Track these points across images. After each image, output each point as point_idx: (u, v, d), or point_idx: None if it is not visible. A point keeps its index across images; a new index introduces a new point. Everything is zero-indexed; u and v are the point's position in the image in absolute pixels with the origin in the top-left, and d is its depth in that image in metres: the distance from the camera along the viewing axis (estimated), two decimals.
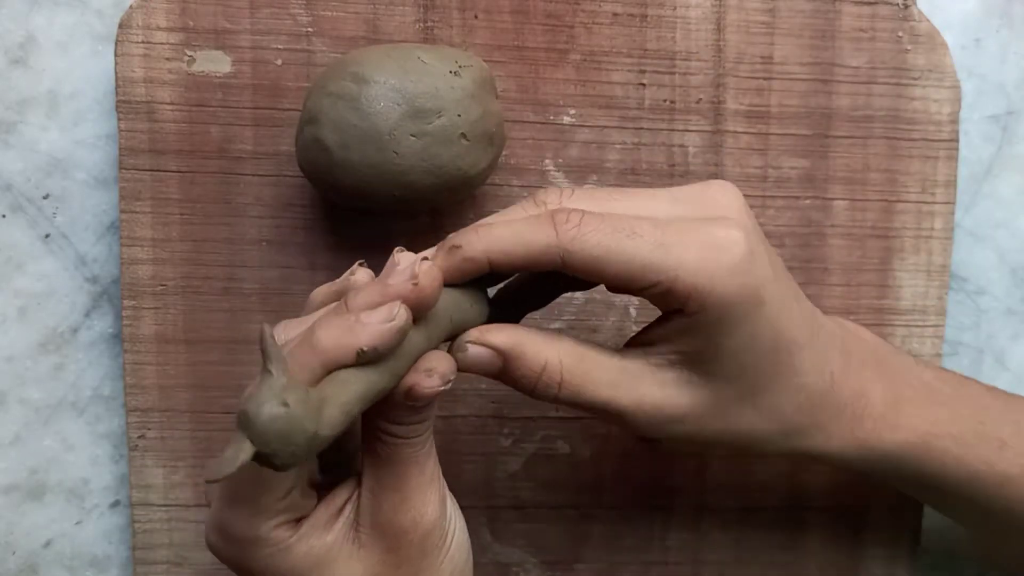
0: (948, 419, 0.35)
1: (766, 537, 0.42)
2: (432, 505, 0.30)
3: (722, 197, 0.31)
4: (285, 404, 0.24)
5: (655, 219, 0.30)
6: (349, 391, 0.26)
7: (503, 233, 0.29)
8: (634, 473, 0.42)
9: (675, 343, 0.31)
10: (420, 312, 0.28)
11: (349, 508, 0.30)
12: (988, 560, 0.42)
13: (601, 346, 0.32)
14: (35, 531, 0.41)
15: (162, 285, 0.39)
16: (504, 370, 0.30)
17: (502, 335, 0.30)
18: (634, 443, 0.41)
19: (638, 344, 0.32)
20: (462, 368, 0.30)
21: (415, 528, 0.30)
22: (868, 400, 0.34)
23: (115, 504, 0.42)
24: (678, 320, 0.30)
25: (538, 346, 0.30)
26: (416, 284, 0.27)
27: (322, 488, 0.31)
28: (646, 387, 0.31)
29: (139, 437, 0.39)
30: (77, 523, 0.41)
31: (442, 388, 0.28)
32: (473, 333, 0.30)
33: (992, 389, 0.37)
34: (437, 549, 0.31)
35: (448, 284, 0.29)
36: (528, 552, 0.42)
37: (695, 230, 0.29)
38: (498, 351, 0.30)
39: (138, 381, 0.39)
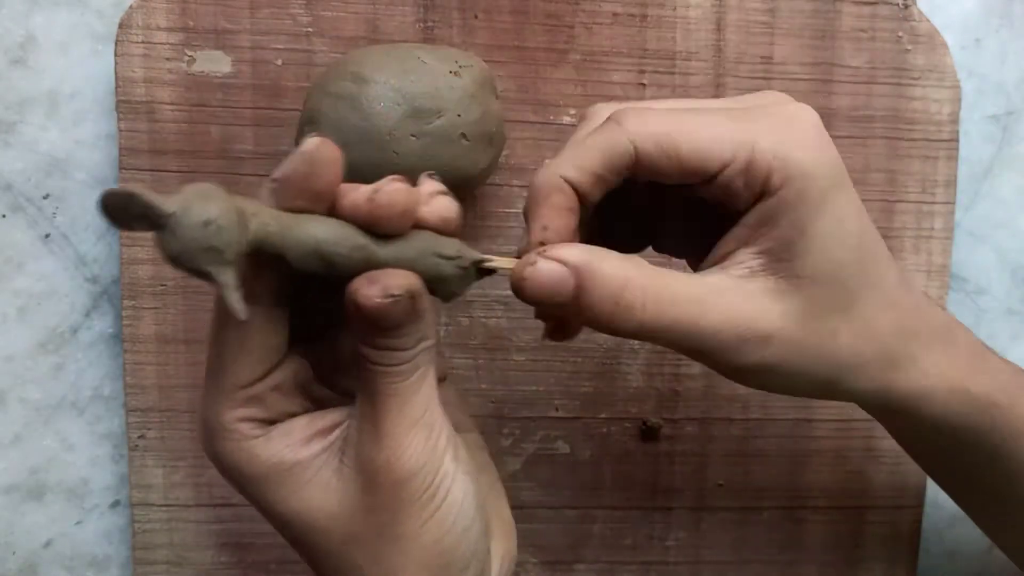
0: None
1: (766, 537, 0.43)
2: (412, 450, 0.27)
3: (785, 100, 0.30)
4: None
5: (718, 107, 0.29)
6: (265, 223, 0.24)
7: (575, 151, 0.28)
8: (634, 473, 0.42)
9: (757, 242, 0.29)
10: (377, 225, 0.26)
11: (338, 433, 0.28)
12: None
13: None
14: (35, 531, 0.41)
15: (162, 285, 0.39)
16: (578, 293, 0.27)
17: (574, 250, 0.27)
18: (634, 443, 0.41)
19: (715, 262, 0.29)
20: (529, 294, 0.27)
21: (388, 471, 0.27)
22: (957, 335, 0.31)
23: (115, 504, 0.42)
24: (759, 208, 0.28)
25: (614, 262, 0.27)
26: (374, 200, 0.25)
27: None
28: (733, 300, 0.28)
29: (139, 437, 0.39)
30: (77, 523, 0.41)
31: (386, 302, 0.25)
32: (538, 248, 0.28)
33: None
34: (418, 504, 0.27)
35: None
36: (528, 552, 0.42)
37: (765, 108, 0.29)
38: (570, 266, 0.27)
39: (138, 381, 0.39)
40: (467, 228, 0.40)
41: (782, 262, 0.28)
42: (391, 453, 0.27)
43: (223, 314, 0.27)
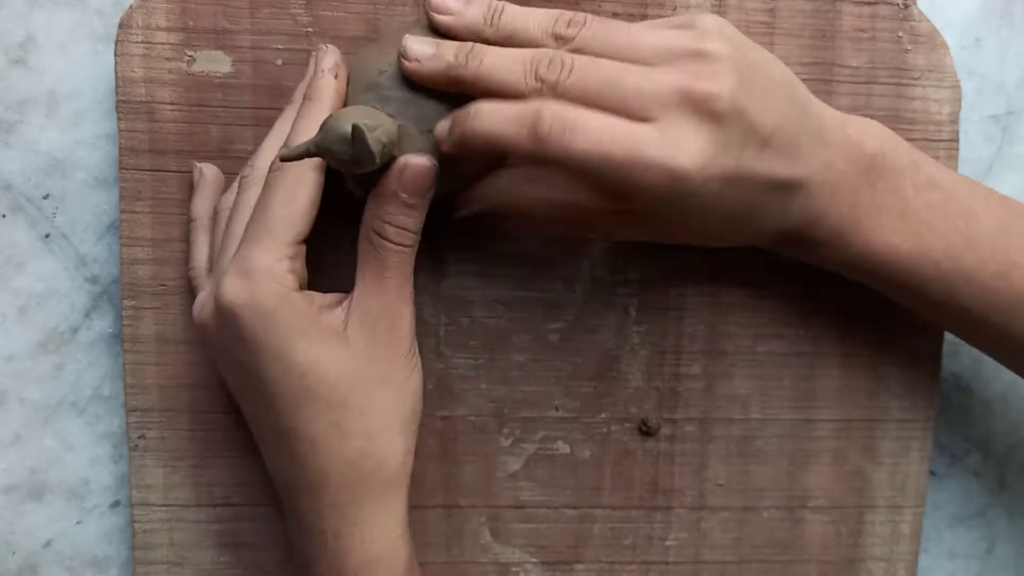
0: (907, 244, 0.36)
1: (766, 537, 0.43)
2: (407, 315, 0.35)
3: (714, 47, 0.32)
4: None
5: (631, 126, 0.32)
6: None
7: (485, 127, 0.32)
8: (634, 473, 0.42)
9: None
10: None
11: (339, 311, 0.34)
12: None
13: None
14: (35, 531, 0.41)
15: (162, 285, 0.39)
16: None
17: (478, 200, 0.36)
18: (634, 443, 0.41)
19: None
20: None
21: (392, 331, 0.34)
22: (829, 220, 0.35)
23: (115, 504, 0.42)
24: None
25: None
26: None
27: None
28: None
29: (139, 437, 0.39)
30: (77, 523, 0.41)
31: (431, 165, 0.33)
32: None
33: (995, 214, 0.36)
34: (407, 357, 0.35)
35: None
36: (528, 552, 0.42)
37: (659, 132, 0.32)
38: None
39: (138, 381, 0.39)
40: None
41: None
42: (396, 317, 0.34)
43: (297, 173, 0.33)
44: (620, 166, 0.31)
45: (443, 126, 0.33)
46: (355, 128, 0.30)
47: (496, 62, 0.32)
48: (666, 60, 0.32)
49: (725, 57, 0.32)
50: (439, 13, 0.34)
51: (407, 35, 0.34)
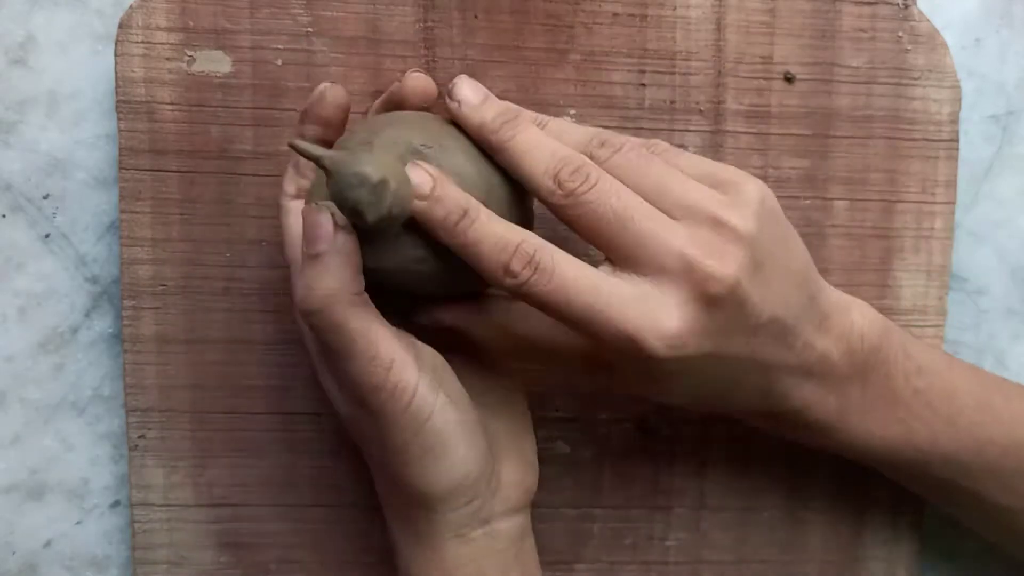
0: (891, 433, 0.36)
1: (766, 537, 0.43)
2: (368, 377, 0.30)
3: (739, 219, 0.31)
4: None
5: (608, 281, 0.30)
6: None
7: (471, 238, 0.30)
8: (634, 473, 0.42)
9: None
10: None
11: None
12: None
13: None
14: (35, 531, 0.41)
15: (162, 285, 0.39)
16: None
17: (450, 314, 0.34)
18: (634, 443, 0.41)
19: None
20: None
21: (350, 391, 0.32)
22: (813, 411, 0.35)
23: (115, 504, 0.42)
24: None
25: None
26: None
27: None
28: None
29: (139, 437, 0.39)
30: (77, 523, 0.41)
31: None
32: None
33: (979, 397, 0.37)
34: (396, 422, 0.31)
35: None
36: None
37: (641, 293, 0.30)
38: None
39: (138, 381, 0.39)
40: None
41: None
42: (346, 379, 0.31)
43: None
44: (577, 320, 0.30)
45: (423, 183, 0.30)
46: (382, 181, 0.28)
47: (526, 145, 0.31)
48: (688, 217, 0.31)
49: (744, 237, 0.31)
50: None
51: (463, 75, 0.33)
